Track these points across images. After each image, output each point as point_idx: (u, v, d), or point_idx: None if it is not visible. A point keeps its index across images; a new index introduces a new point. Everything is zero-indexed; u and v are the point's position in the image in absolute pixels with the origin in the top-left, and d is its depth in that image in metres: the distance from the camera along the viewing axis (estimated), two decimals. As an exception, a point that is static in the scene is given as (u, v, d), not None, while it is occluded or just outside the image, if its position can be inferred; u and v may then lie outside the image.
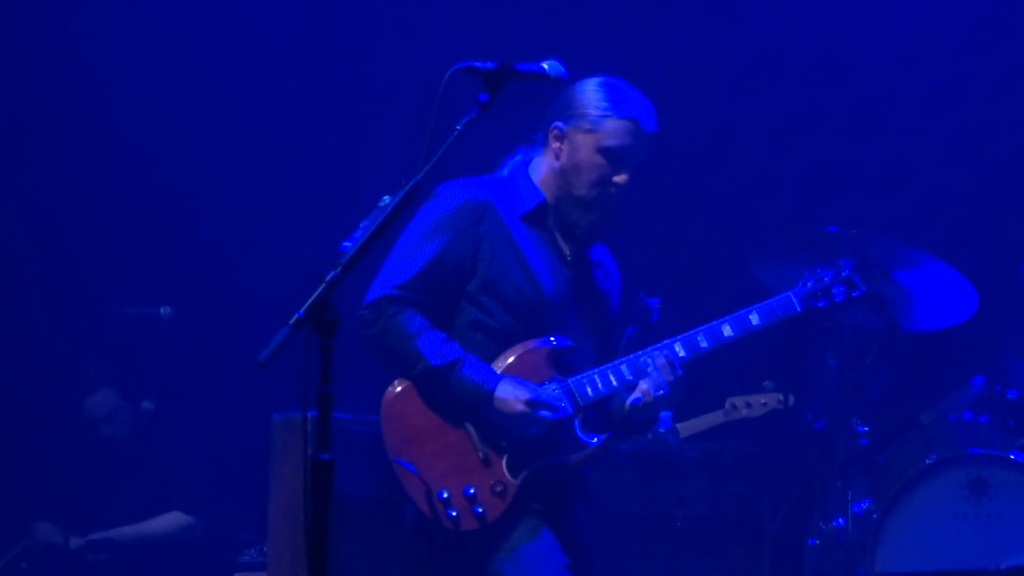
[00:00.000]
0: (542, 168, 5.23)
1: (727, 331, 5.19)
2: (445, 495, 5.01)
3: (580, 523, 5.19)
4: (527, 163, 5.27)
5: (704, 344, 5.16)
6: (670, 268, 7.81)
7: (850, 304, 5.37)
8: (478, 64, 4.15)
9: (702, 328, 5.19)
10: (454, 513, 5.00)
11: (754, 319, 5.22)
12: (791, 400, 7.25)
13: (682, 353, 5.16)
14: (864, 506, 6.81)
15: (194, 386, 8.31)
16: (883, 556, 6.61)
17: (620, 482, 6.17)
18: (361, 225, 3.76)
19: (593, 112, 5.10)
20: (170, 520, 8.11)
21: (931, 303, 6.79)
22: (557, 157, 5.17)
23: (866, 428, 6.89)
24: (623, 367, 5.14)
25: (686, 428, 7.17)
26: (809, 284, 5.33)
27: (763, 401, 7.32)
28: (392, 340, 5.05)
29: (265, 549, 6.26)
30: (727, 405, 7.36)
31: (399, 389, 5.11)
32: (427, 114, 3.98)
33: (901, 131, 8.10)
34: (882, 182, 8.04)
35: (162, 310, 8.16)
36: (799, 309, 5.28)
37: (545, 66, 4.50)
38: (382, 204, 3.81)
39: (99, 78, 8.30)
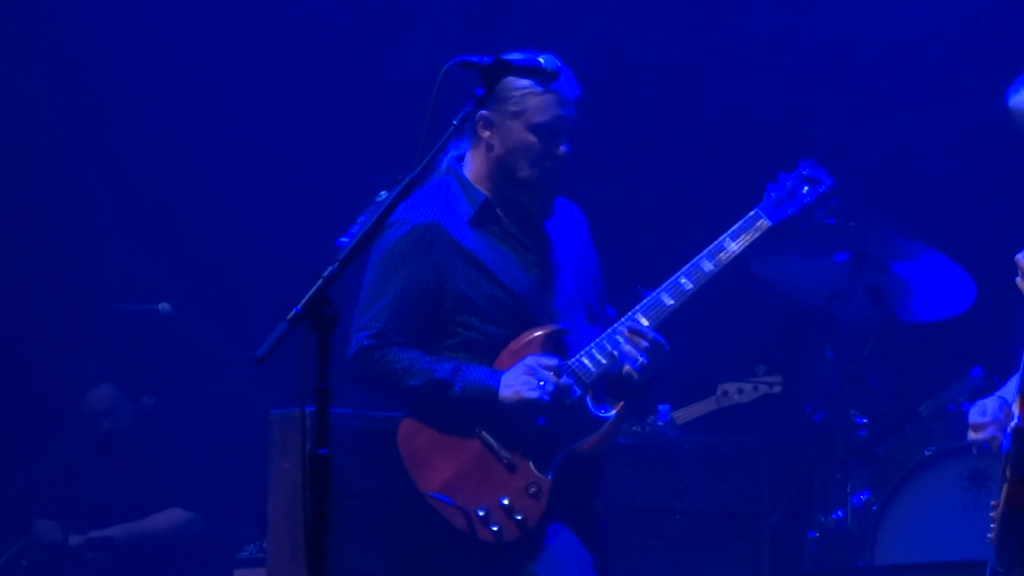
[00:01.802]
0: (476, 160, 5.18)
1: (707, 266, 5.16)
2: (483, 512, 5.01)
3: (599, 508, 5.21)
4: (460, 159, 5.22)
5: (689, 285, 5.14)
6: (667, 262, 7.78)
7: (822, 202, 5.34)
8: (474, 59, 4.15)
9: (683, 270, 5.17)
10: (496, 527, 4.99)
11: (730, 246, 5.19)
12: (783, 385, 7.24)
13: (670, 302, 5.13)
14: (864, 498, 6.80)
15: (192, 382, 8.31)
16: (883, 548, 6.61)
17: (618, 476, 6.15)
18: (358, 220, 3.76)
19: (514, 93, 5.04)
20: (169, 517, 8.12)
21: (929, 295, 6.79)
22: (490, 147, 5.12)
23: (865, 420, 6.88)
24: (618, 336, 5.13)
25: (679, 416, 7.16)
26: (773, 194, 5.31)
27: (754, 386, 7.32)
28: (388, 380, 5.06)
29: (264, 545, 6.25)
30: (719, 392, 7.36)
31: (410, 425, 5.12)
32: (424, 109, 3.97)
33: (899, 123, 8.09)
34: (880, 175, 8.03)
35: (160, 306, 8.16)
36: (771, 222, 5.24)
37: (541, 60, 4.50)
38: (379, 199, 3.81)
39: (97, 76, 8.29)
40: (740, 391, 7.34)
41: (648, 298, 5.16)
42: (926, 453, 6.71)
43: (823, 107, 8.13)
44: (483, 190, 5.16)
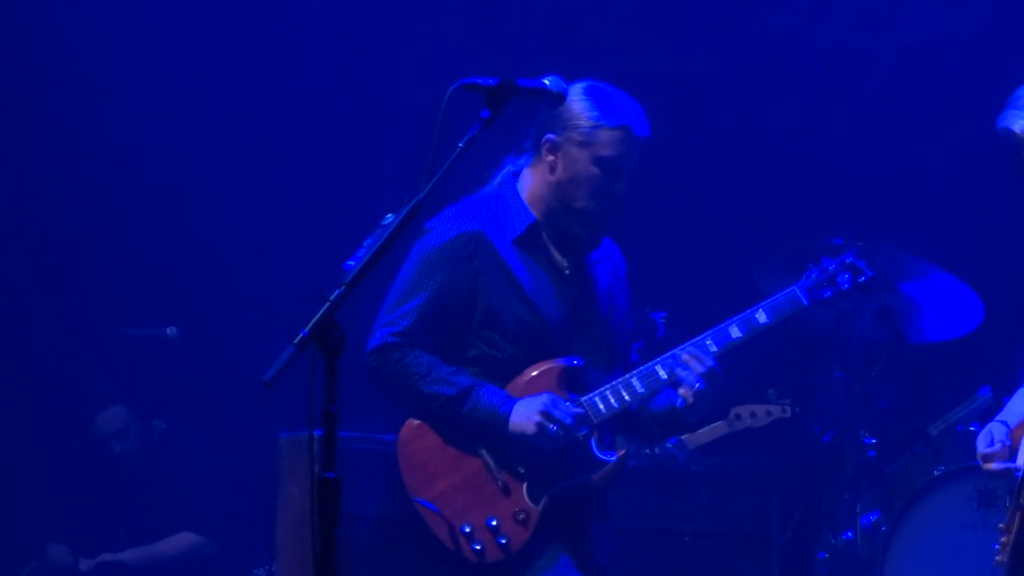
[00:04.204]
0: (533, 180, 5.16)
1: (735, 332, 5.11)
2: (468, 529, 5.00)
3: (595, 541, 5.16)
4: (516, 175, 5.20)
5: (713, 348, 5.11)
6: (676, 282, 7.80)
7: (857, 291, 5.29)
8: (480, 81, 4.15)
9: (709, 332, 5.12)
10: (479, 546, 4.99)
11: (761, 317, 5.14)
12: (795, 409, 7.23)
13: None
14: (873, 519, 6.79)
15: (201, 406, 8.32)
16: (892, 568, 6.60)
17: (628, 498, 6.16)
18: (364, 244, 3.75)
19: (585, 124, 5.03)
20: (180, 540, 8.12)
21: (937, 314, 6.79)
22: (552, 170, 5.10)
23: (874, 440, 6.88)
24: (634, 380, 5.10)
25: (690, 439, 7.15)
26: (813, 276, 5.24)
27: (767, 410, 7.31)
28: (402, 381, 5.04)
29: (274, 569, 6.26)
30: (731, 415, 7.33)
31: (413, 427, 5.11)
32: (429, 132, 3.98)
33: (906, 142, 8.09)
34: (887, 193, 8.03)
35: (168, 330, 8.18)
36: (806, 303, 5.17)
37: (547, 82, 4.49)
38: (385, 222, 3.80)
39: (106, 99, 8.32)
40: (753, 415, 7.31)
41: (676, 350, 5.13)
42: (935, 473, 6.70)
43: (830, 124, 8.13)
44: (534, 212, 5.14)
